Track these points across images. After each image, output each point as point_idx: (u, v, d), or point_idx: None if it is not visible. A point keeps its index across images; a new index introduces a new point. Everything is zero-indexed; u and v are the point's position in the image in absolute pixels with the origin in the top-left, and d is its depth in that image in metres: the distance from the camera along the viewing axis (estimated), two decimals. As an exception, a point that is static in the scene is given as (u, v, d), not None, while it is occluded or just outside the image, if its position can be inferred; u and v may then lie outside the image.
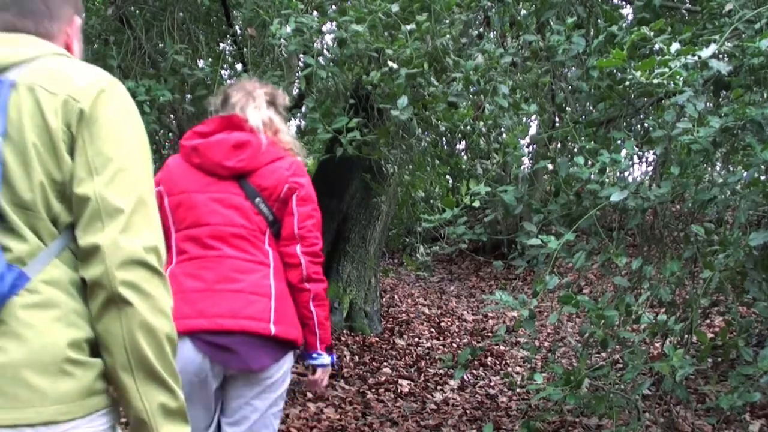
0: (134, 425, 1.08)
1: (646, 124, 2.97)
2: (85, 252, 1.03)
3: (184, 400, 1.11)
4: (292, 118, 6.76)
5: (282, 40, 3.55)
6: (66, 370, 1.02)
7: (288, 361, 1.93)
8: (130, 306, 1.02)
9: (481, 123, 3.39)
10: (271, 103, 2.02)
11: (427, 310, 6.50)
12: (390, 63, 3.07)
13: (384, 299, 6.84)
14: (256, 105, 1.96)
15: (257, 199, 1.88)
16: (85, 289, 1.05)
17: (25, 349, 0.99)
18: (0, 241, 1.00)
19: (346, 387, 4.22)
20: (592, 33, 3.26)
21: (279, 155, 1.93)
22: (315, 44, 3.40)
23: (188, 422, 1.12)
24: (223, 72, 5.97)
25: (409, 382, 4.47)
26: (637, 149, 2.75)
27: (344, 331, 5.46)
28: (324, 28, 3.71)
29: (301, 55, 4.63)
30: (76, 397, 1.03)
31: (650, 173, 3.30)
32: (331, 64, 3.45)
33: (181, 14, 4.93)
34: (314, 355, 1.96)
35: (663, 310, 2.96)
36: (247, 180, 1.89)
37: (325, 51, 3.96)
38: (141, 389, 1.05)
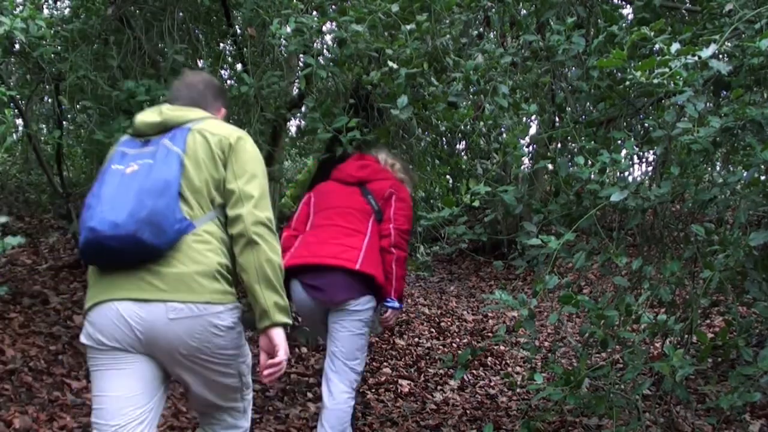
0: (259, 315, 1.91)
1: (646, 124, 2.97)
2: (232, 219, 1.91)
3: (303, 319, 2.39)
4: (292, 118, 6.76)
5: (282, 40, 3.55)
6: (215, 277, 1.88)
7: (370, 301, 2.81)
8: (259, 246, 1.88)
9: (481, 123, 3.39)
10: (393, 163, 3.16)
11: (427, 310, 6.50)
12: (390, 63, 3.07)
13: (384, 299, 6.83)
14: (385, 153, 3.20)
15: (369, 196, 2.96)
16: (226, 240, 1.93)
17: (194, 264, 1.86)
18: (182, 208, 1.87)
19: (346, 387, 4.22)
20: (592, 33, 3.26)
21: (389, 176, 3.05)
22: (315, 44, 3.40)
23: (290, 316, 1.94)
24: (223, 72, 5.96)
25: (409, 382, 4.47)
26: (637, 149, 2.75)
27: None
28: (324, 28, 3.71)
29: (301, 55, 4.63)
30: (220, 293, 1.89)
31: (650, 173, 3.29)
32: (331, 64, 3.45)
33: (181, 14, 4.92)
34: (389, 300, 2.85)
35: (663, 310, 2.96)
36: (366, 186, 3.00)
37: (325, 51, 3.96)
38: (264, 293, 1.89)
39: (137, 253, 1.81)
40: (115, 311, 1.84)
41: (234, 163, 1.94)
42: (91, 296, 1.90)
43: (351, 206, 2.93)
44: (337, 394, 2.76)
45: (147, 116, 2.00)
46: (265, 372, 1.91)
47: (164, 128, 1.97)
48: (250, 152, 1.97)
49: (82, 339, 1.94)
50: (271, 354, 1.92)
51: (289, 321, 1.93)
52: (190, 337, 1.86)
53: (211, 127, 1.98)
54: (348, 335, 2.79)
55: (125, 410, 1.91)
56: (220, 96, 2.20)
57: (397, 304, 2.87)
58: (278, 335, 1.91)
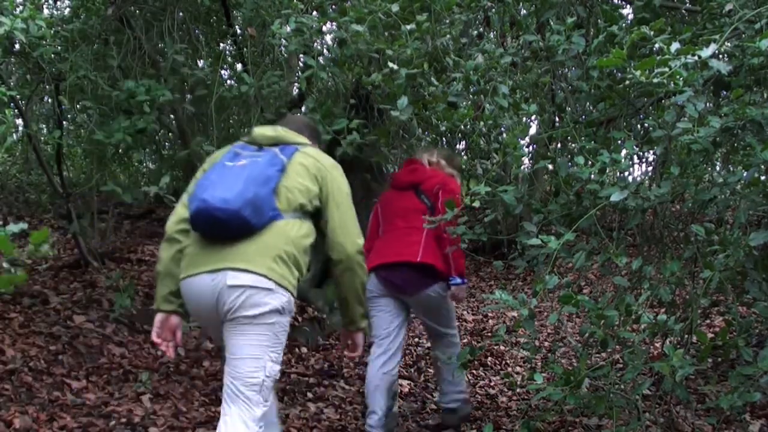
0: (348, 321, 2.48)
1: (646, 124, 2.97)
2: (336, 244, 2.36)
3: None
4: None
5: (282, 40, 3.55)
6: (277, 260, 2.22)
7: (439, 287, 3.30)
8: (356, 271, 2.38)
9: (481, 123, 3.39)
10: (437, 161, 3.52)
11: (427, 310, 6.49)
12: (390, 64, 3.07)
13: (384, 299, 6.82)
14: (429, 153, 3.55)
15: (422, 196, 3.34)
16: (300, 236, 2.30)
17: (265, 246, 2.22)
18: (275, 202, 2.26)
19: (346, 387, 4.22)
20: (592, 33, 3.26)
21: (437, 174, 3.41)
22: (315, 44, 3.40)
23: (368, 319, 2.57)
24: (223, 72, 5.96)
25: (409, 382, 4.47)
26: (637, 149, 2.74)
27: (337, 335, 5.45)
28: (324, 28, 3.71)
29: (301, 55, 4.63)
30: (278, 273, 2.21)
31: (650, 173, 3.29)
32: (331, 64, 3.45)
33: (181, 14, 4.92)
34: (451, 279, 3.29)
35: (663, 310, 2.96)
36: (419, 187, 3.37)
37: (325, 51, 3.95)
38: (354, 306, 2.44)
39: (237, 227, 2.20)
40: (200, 282, 2.23)
41: (328, 187, 2.37)
42: (186, 267, 2.28)
43: (407, 207, 3.35)
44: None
45: (265, 131, 2.46)
46: (348, 356, 2.59)
47: (276, 142, 2.42)
48: (339, 180, 2.41)
49: (185, 299, 2.33)
50: (352, 349, 2.55)
51: (366, 327, 2.53)
52: (244, 304, 2.18)
53: (313, 152, 2.44)
54: (433, 326, 3.48)
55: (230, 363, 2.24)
56: (315, 136, 2.66)
57: (459, 281, 3.29)
58: (359, 337, 2.53)
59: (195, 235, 2.30)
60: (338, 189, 2.38)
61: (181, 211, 2.39)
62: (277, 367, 2.26)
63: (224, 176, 2.25)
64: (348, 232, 2.35)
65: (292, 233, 2.26)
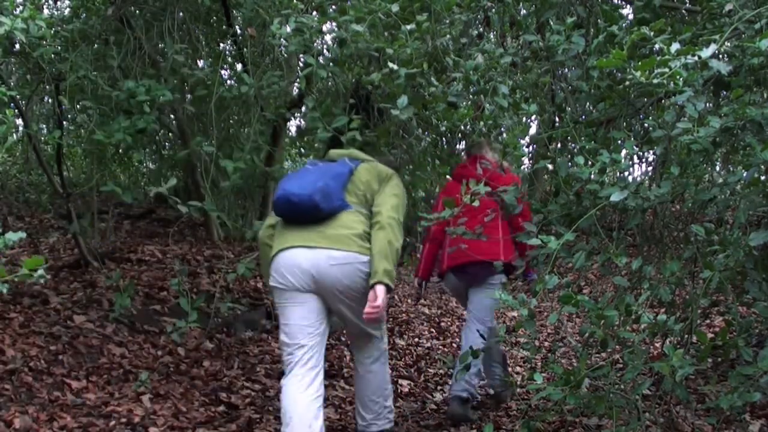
0: (372, 274, 2.75)
1: (646, 124, 2.96)
2: (376, 213, 2.86)
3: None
4: (292, 118, 6.73)
5: (282, 40, 3.55)
6: (359, 237, 2.81)
7: (502, 277, 3.65)
8: (386, 229, 2.80)
9: (481, 123, 3.39)
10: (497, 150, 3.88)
11: (427, 310, 6.50)
12: (390, 64, 3.07)
13: (384, 299, 6.81)
14: (492, 148, 3.86)
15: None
16: (367, 223, 2.86)
17: (347, 229, 2.81)
18: (345, 196, 2.88)
19: (346, 387, 4.22)
20: (592, 33, 3.26)
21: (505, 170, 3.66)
22: (315, 44, 3.39)
23: (393, 281, 2.77)
24: (223, 72, 5.95)
25: (409, 382, 4.47)
26: (637, 149, 2.74)
27: (344, 332, 5.45)
28: (324, 28, 3.71)
29: (301, 55, 4.63)
30: (365, 249, 2.80)
31: (650, 173, 3.29)
32: (331, 64, 3.45)
33: (181, 14, 4.92)
34: (527, 274, 3.67)
35: (663, 310, 2.96)
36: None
37: (325, 51, 3.95)
38: (379, 260, 2.74)
39: (309, 210, 2.78)
40: (292, 255, 2.80)
41: (386, 188, 2.93)
42: (276, 246, 2.87)
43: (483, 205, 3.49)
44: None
45: (341, 151, 3.12)
46: (366, 311, 2.72)
47: (347, 157, 3.06)
48: (395, 182, 2.98)
49: (270, 282, 2.89)
50: (371, 300, 2.72)
51: (391, 284, 2.76)
52: (345, 277, 2.78)
53: (377, 164, 3.05)
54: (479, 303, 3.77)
55: (303, 332, 2.83)
56: (385, 162, 3.21)
57: (535, 276, 3.48)
58: (380, 290, 2.72)
59: (280, 221, 2.94)
60: (392, 186, 2.95)
61: (269, 220, 3.04)
62: (385, 327, 3.10)
63: (302, 173, 2.92)
64: (389, 206, 2.86)
65: (359, 220, 2.85)
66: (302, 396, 2.74)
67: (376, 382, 3.06)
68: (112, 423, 3.14)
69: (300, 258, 2.78)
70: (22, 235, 2.27)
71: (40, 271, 2.27)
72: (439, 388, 4.46)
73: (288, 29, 3.30)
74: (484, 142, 3.88)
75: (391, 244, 2.78)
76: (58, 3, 6.81)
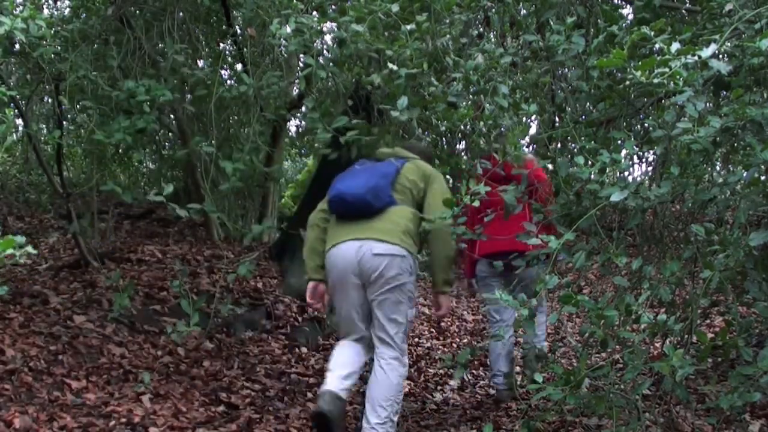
0: (434, 284, 3.26)
1: (646, 124, 2.97)
2: (428, 219, 3.05)
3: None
4: (293, 118, 6.73)
5: (282, 40, 3.55)
6: (403, 233, 3.07)
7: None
8: (439, 243, 3.15)
9: (481, 123, 3.39)
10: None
11: (427, 310, 6.50)
12: (390, 65, 3.07)
13: (384, 299, 6.81)
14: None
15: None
16: (412, 218, 3.12)
17: (392, 224, 3.07)
18: (390, 191, 3.13)
19: (346, 387, 4.22)
20: (592, 33, 3.26)
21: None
22: (315, 44, 3.40)
23: (451, 287, 3.31)
24: (223, 72, 5.95)
25: (409, 382, 4.46)
26: (637, 149, 2.74)
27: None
28: (324, 28, 3.71)
29: (301, 56, 4.62)
30: (405, 243, 3.06)
31: (650, 173, 3.29)
32: (330, 64, 3.44)
33: (181, 14, 4.92)
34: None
35: (663, 310, 2.96)
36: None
37: (325, 51, 3.95)
38: (438, 272, 3.19)
39: (362, 207, 3.07)
40: (344, 247, 3.06)
41: (432, 186, 3.18)
42: (330, 241, 3.14)
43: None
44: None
45: (384, 149, 3.39)
46: (438, 315, 3.37)
47: (392, 156, 3.29)
48: (439, 179, 3.24)
49: (327, 268, 3.16)
50: (436, 308, 3.32)
51: (450, 291, 3.29)
52: (384, 268, 3.00)
53: (421, 163, 3.28)
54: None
55: (351, 317, 3.16)
56: (428, 158, 3.45)
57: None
58: (441, 298, 3.25)
59: (333, 218, 3.19)
60: (438, 184, 3.20)
61: (321, 205, 3.27)
62: (412, 312, 3.17)
63: (353, 174, 3.18)
64: (437, 211, 2.98)
65: (405, 216, 3.09)
66: (348, 348, 3.20)
67: (388, 382, 3.09)
68: (112, 423, 3.13)
69: (349, 250, 3.05)
70: (22, 239, 2.26)
71: (29, 247, 2.25)
72: (439, 388, 4.46)
73: (288, 29, 3.30)
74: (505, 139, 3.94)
75: (447, 256, 3.15)
76: (58, 3, 6.80)
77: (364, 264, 3.02)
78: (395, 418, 3.10)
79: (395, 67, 3.04)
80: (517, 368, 4.86)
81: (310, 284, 3.26)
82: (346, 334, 3.22)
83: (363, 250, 3.02)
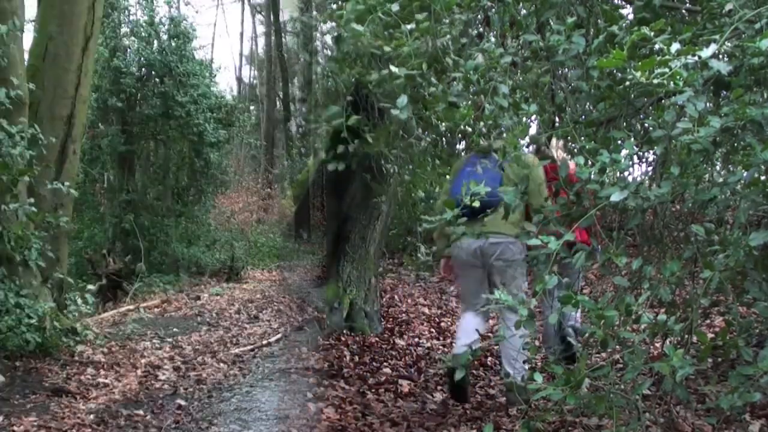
0: None
1: (646, 124, 2.96)
2: (531, 203, 3.70)
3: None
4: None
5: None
6: (510, 222, 3.50)
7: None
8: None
9: (481, 123, 3.39)
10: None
11: (427, 310, 6.50)
12: (391, 67, 3.07)
13: (384, 299, 6.84)
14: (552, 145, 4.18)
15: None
16: (521, 209, 3.71)
17: (501, 215, 3.15)
18: (499, 189, 3.19)
19: (346, 387, 4.22)
20: (592, 33, 3.25)
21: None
22: (315, 44, 3.40)
23: None
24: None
25: (409, 382, 4.47)
26: (637, 149, 2.74)
27: (344, 331, 5.45)
28: (324, 28, 3.71)
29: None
30: (512, 230, 3.81)
31: (650, 173, 3.30)
32: (331, 63, 3.45)
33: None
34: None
35: (663, 310, 2.96)
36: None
37: (325, 51, 3.95)
38: None
39: (485, 209, 3.43)
40: (468, 241, 3.86)
41: (532, 175, 3.69)
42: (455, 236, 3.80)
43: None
44: None
45: (484, 146, 3.97)
46: None
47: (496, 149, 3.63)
48: (537, 170, 3.81)
49: (453, 256, 4.11)
50: None
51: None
52: (499, 252, 3.84)
53: (518, 157, 3.48)
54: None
55: (473, 293, 4.03)
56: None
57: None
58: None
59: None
60: (536, 175, 3.80)
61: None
62: (525, 285, 3.89)
63: (474, 178, 3.35)
64: (537, 199, 3.60)
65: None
66: (471, 317, 4.03)
67: (515, 342, 3.62)
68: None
69: (472, 242, 3.85)
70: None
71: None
72: (439, 388, 4.46)
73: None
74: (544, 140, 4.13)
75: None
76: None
77: (484, 251, 3.95)
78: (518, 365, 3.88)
79: (395, 69, 3.03)
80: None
81: (443, 261, 4.33)
82: (467, 300, 4.17)
83: (482, 241, 3.84)
